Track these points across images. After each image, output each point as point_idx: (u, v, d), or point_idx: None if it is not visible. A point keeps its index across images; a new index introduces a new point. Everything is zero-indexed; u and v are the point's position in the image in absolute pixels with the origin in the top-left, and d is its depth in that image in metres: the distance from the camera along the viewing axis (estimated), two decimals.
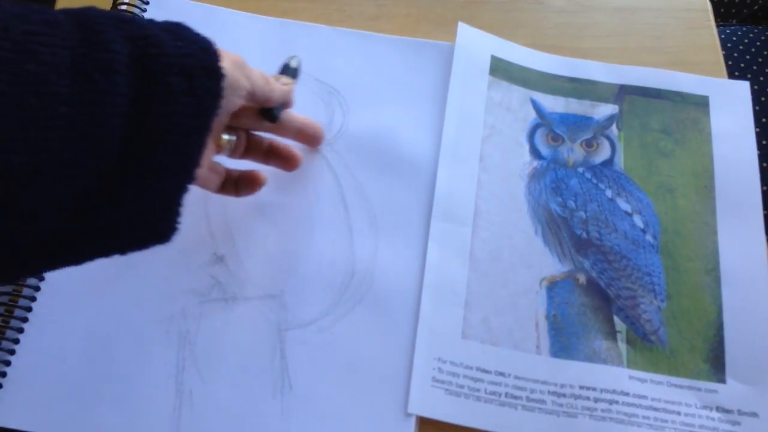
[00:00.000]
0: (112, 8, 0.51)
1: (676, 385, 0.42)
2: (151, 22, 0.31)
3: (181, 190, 0.31)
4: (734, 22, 0.88)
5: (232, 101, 0.34)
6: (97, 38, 0.27)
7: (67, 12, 0.28)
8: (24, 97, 0.25)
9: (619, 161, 0.49)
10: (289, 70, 0.43)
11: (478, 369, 0.42)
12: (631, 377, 0.42)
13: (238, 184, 0.43)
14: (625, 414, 0.40)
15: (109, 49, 0.27)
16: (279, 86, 0.39)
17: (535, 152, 0.49)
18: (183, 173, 0.31)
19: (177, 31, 0.31)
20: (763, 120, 0.71)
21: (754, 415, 0.41)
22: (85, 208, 0.28)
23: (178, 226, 0.32)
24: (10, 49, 0.25)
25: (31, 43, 0.25)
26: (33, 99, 0.25)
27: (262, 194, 0.46)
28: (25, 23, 0.26)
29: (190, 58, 0.30)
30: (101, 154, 0.27)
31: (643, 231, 0.46)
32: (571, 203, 0.47)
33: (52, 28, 0.26)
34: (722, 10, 0.90)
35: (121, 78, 0.27)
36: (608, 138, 0.50)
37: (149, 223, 0.31)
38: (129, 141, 0.28)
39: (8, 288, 0.42)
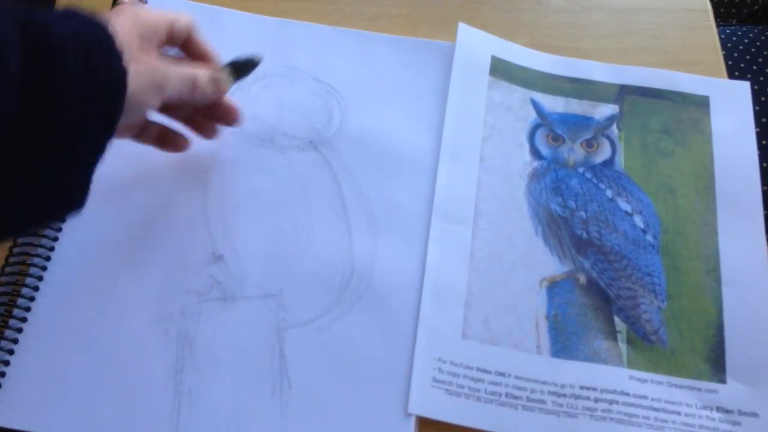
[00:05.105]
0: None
1: (676, 385, 0.41)
2: (44, 9, 0.31)
3: (91, 165, 0.31)
4: (734, 22, 0.88)
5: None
6: None
7: None
8: None
9: (620, 161, 0.49)
10: (248, 66, 0.42)
11: (478, 369, 0.42)
12: (631, 377, 0.42)
13: (163, 140, 0.43)
14: (626, 414, 0.40)
15: None
16: (207, 91, 0.39)
17: (535, 152, 0.49)
18: (89, 153, 0.31)
19: (70, 15, 0.31)
20: (763, 120, 0.70)
21: (754, 415, 0.41)
22: None
23: (87, 197, 0.32)
24: None
25: None
26: None
27: (260, 193, 0.46)
28: None
29: (85, 39, 0.30)
30: None
31: (644, 231, 0.46)
32: (572, 203, 0.47)
33: None
34: (722, 10, 0.90)
35: (9, 63, 0.27)
36: (609, 138, 0.50)
37: (59, 195, 0.31)
38: (24, 122, 0.28)
39: (7, 288, 0.42)
